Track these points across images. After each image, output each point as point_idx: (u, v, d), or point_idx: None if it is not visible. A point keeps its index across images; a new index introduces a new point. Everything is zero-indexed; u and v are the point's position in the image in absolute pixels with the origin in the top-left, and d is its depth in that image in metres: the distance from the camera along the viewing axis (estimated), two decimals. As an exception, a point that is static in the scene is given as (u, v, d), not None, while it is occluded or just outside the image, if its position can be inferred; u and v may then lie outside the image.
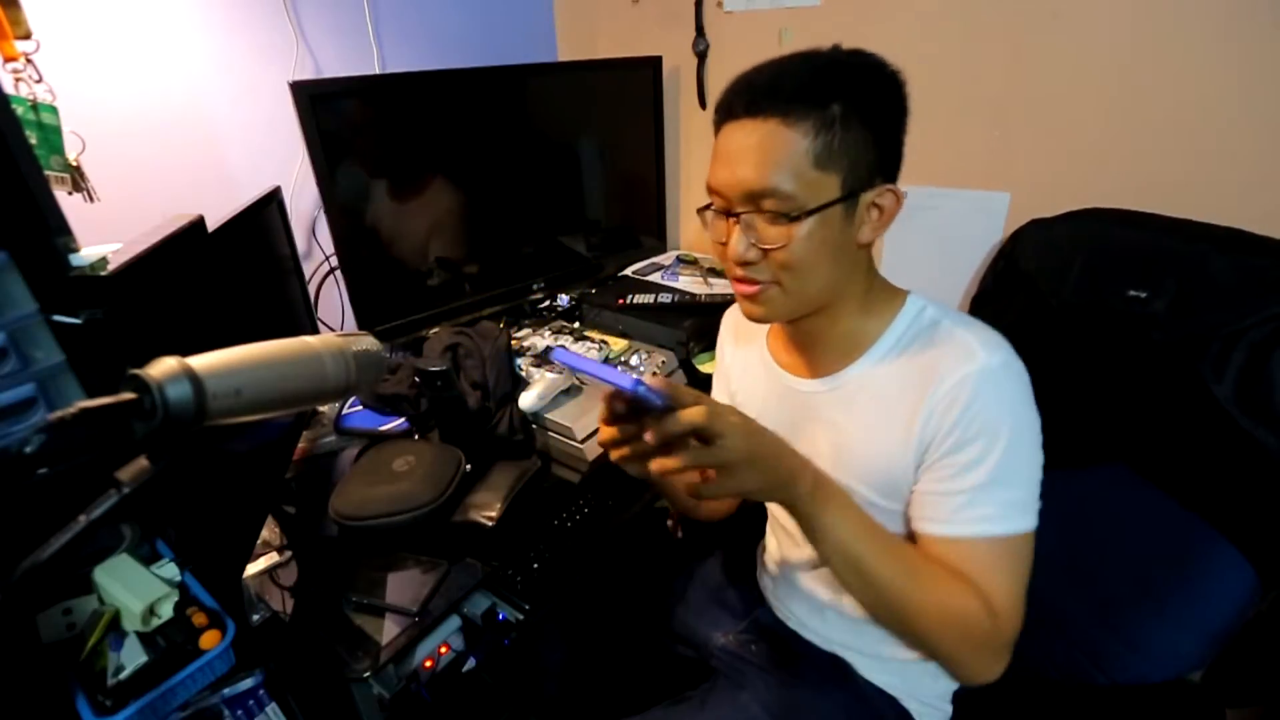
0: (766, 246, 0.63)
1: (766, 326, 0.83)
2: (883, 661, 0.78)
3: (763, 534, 0.99)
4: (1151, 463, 0.79)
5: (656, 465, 0.54)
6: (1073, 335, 0.81)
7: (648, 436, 0.53)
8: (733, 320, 0.90)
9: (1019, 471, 0.62)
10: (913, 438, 0.65)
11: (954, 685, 0.79)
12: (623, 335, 1.31)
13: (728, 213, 0.65)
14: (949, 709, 0.80)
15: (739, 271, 0.66)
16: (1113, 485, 0.86)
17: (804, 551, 0.80)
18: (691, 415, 0.52)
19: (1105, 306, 0.84)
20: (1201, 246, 0.83)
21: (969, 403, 0.61)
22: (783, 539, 0.86)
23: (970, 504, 0.62)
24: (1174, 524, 0.81)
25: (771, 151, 0.60)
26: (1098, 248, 0.91)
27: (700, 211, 0.70)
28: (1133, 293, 0.81)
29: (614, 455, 0.59)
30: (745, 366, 0.85)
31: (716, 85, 1.51)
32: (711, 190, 0.66)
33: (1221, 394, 0.77)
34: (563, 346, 0.61)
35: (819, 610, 0.81)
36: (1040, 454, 0.64)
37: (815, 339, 0.73)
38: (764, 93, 0.61)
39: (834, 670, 0.81)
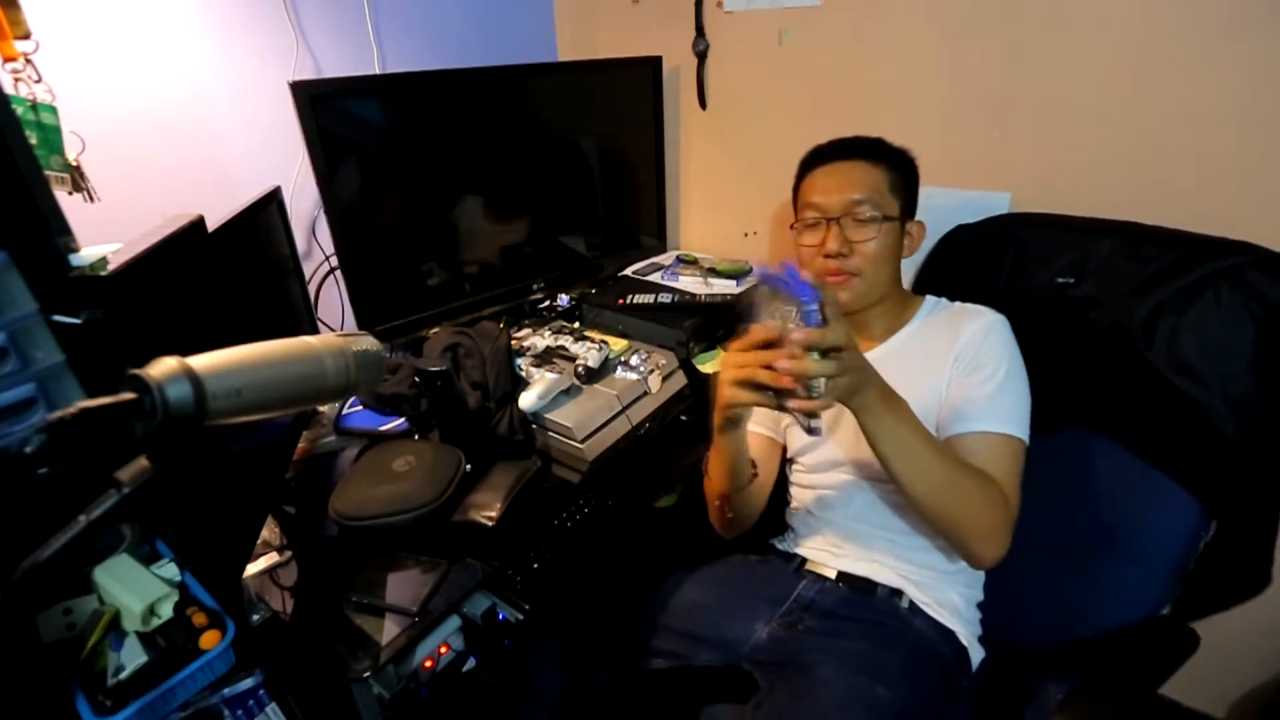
0: (858, 240, 0.91)
1: None
2: (935, 595, 0.91)
3: (779, 527, 1.08)
4: (1104, 420, 0.91)
5: (797, 366, 0.65)
6: (1019, 317, 0.94)
7: (798, 336, 0.65)
8: None
9: (1016, 390, 0.87)
10: (946, 371, 0.90)
11: (979, 630, 0.94)
12: (623, 335, 1.31)
13: (827, 220, 0.92)
14: (982, 651, 0.93)
15: (832, 264, 0.92)
16: (1070, 446, 0.98)
17: (850, 505, 0.97)
18: (841, 329, 0.66)
19: (1040, 292, 1.00)
20: (1108, 241, 0.97)
21: (984, 339, 0.89)
22: (830, 496, 0.99)
23: (986, 407, 0.85)
24: (1127, 473, 0.94)
25: (865, 177, 0.93)
26: (1021, 245, 1.05)
27: (792, 226, 0.99)
28: (1061, 280, 0.95)
29: (740, 375, 0.71)
30: None
31: (716, 85, 1.51)
32: (809, 206, 0.95)
33: (1154, 358, 0.91)
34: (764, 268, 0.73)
35: (880, 541, 0.94)
36: (1028, 389, 0.88)
37: (866, 325, 0.98)
38: (851, 146, 0.96)
39: (894, 615, 0.89)
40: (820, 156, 0.98)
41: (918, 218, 0.98)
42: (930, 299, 1.00)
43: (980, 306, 0.94)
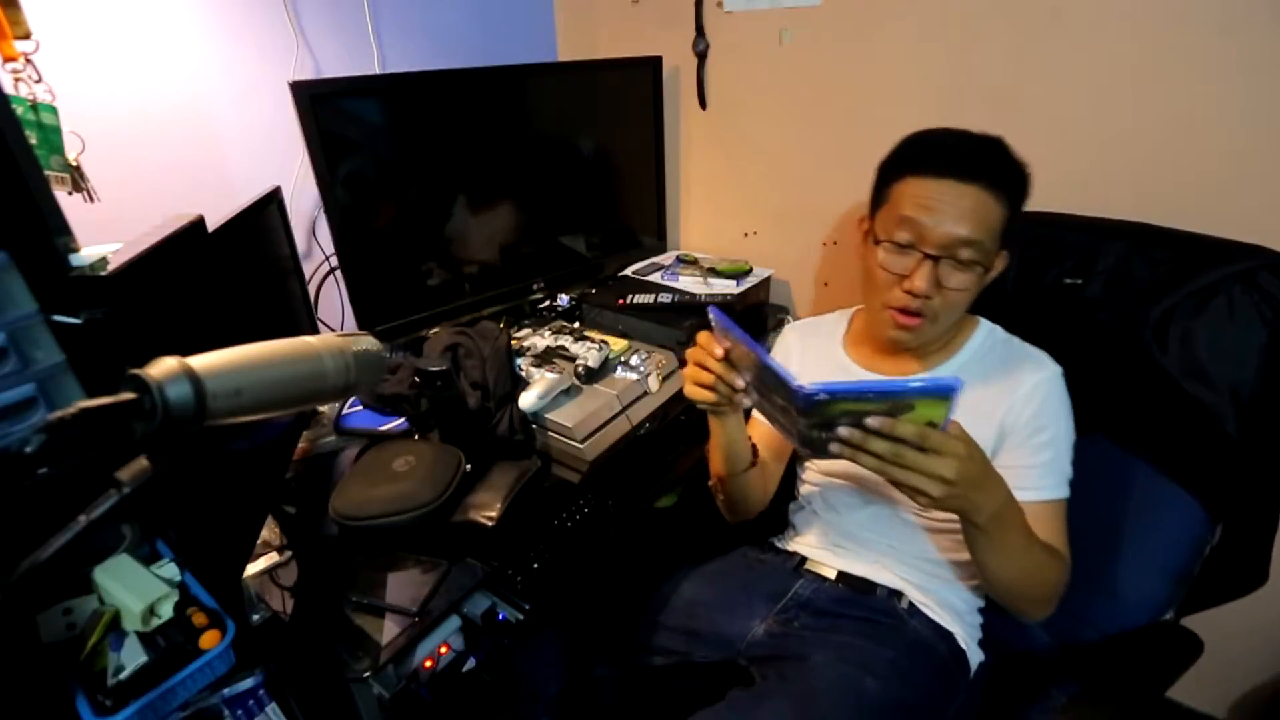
0: (952, 287, 0.79)
1: (839, 336, 1.00)
2: (937, 598, 0.90)
3: (779, 524, 1.08)
4: (1111, 423, 0.89)
5: (873, 447, 0.61)
6: (1028, 321, 0.92)
7: (870, 421, 0.60)
8: (798, 333, 1.06)
9: (1067, 450, 0.83)
10: (995, 421, 0.83)
11: (979, 634, 0.93)
12: (623, 335, 1.31)
13: (924, 254, 0.78)
14: (981, 654, 0.92)
15: (913, 304, 0.80)
16: (1077, 449, 0.95)
17: (861, 510, 0.95)
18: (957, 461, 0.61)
19: (1047, 294, 0.96)
20: (1117, 243, 0.95)
21: (1045, 399, 0.83)
22: (837, 500, 0.97)
23: (1044, 475, 0.81)
24: (1132, 476, 0.93)
25: (982, 214, 0.77)
26: (1028, 245, 1.01)
27: (877, 241, 0.83)
28: (1068, 280, 0.91)
29: (699, 377, 0.76)
30: (816, 372, 0.95)
31: (716, 85, 1.51)
32: (905, 224, 0.79)
33: (1166, 363, 0.89)
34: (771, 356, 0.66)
35: (884, 547, 0.93)
36: (1073, 441, 0.84)
37: (915, 348, 0.89)
38: (974, 160, 0.78)
39: (891, 614, 0.89)
40: (934, 161, 0.79)
41: None
42: (985, 325, 0.91)
43: (1039, 354, 0.87)
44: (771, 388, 0.68)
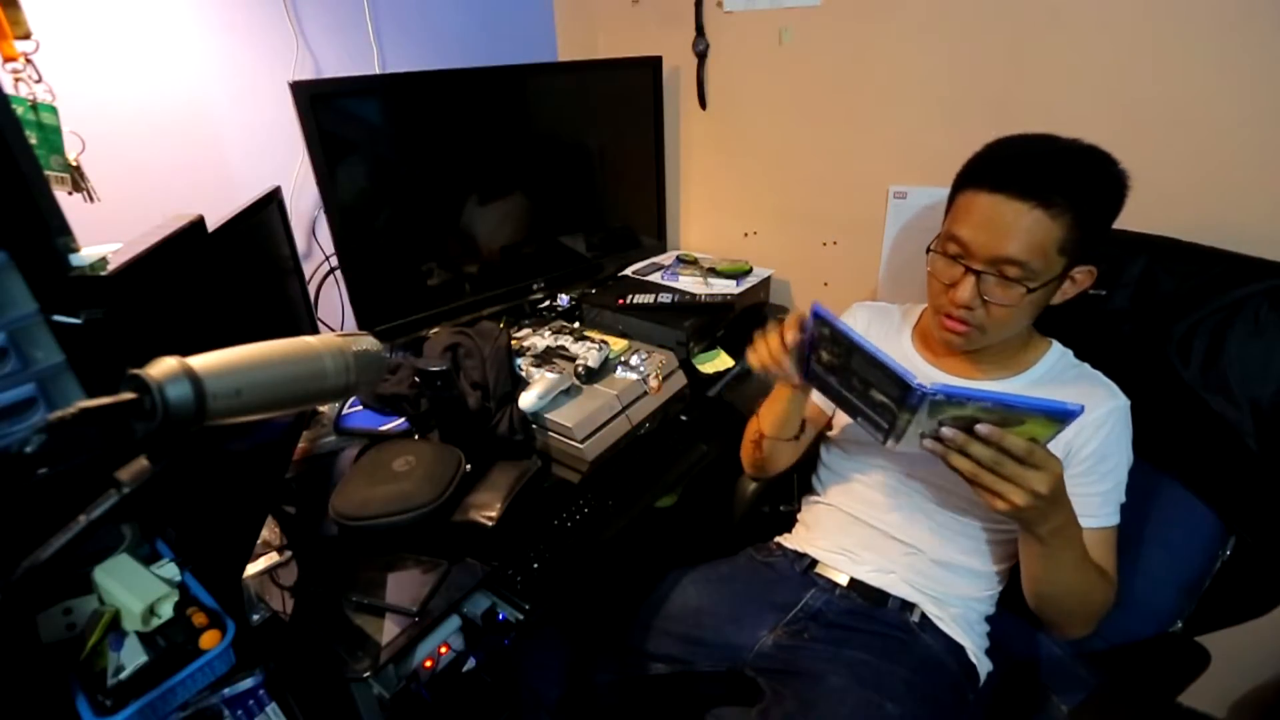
0: (995, 302, 0.78)
1: (908, 329, 1.00)
2: (950, 611, 0.90)
3: (788, 522, 1.08)
4: (1137, 438, 0.88)
5: (963, 464, 0.67)
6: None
7: (981, 429, 0.64)
8: (867, 313, 1.05)
9: (1123, 479, 0.84)
10: (1063, 440, 0.79)
11: (987, 643, 0.93)
12: (623, 335, 1.31)
13: (968, 267, 0.79)
14: (989, 664, 0.92)
15: (957, 313, 0.81)
16: None
17: (890, 511, 0.94)
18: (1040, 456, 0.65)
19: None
20: (1141, 255, 0.95)
21: (1112, 428, 0.83)
22: (867, 496, 0.97)
23: (1103, 503, 0.82)
24: (1146, 486, 0.91)
25: (1033, 234, 0.74)
26: None
27: (929, 251, 0.84)
28: (1092, 291, 0.90)
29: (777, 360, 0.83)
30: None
31: (716, 85, 1.51)
32: (954, 239, 0.80)
33: (1189, 377, 0.90)
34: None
35: (906, 555, 0.93)
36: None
37: (980, 356, 0.89)
38: (1035, 179, 0.74)
39: (903, 628, 0.89)
40: (993, 175, 0.77)
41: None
42: (1057, 348, 0.90)
43: (1110, 383, 0.86)
44: (869, 380, 0.71)
